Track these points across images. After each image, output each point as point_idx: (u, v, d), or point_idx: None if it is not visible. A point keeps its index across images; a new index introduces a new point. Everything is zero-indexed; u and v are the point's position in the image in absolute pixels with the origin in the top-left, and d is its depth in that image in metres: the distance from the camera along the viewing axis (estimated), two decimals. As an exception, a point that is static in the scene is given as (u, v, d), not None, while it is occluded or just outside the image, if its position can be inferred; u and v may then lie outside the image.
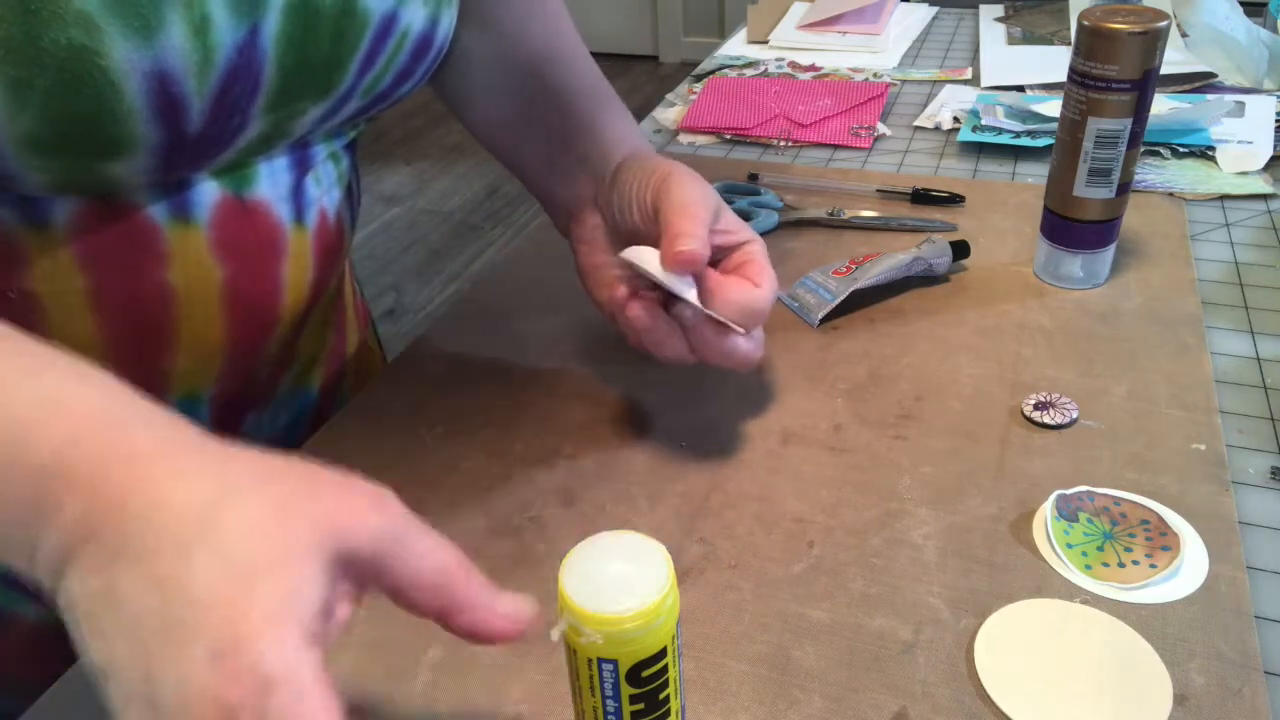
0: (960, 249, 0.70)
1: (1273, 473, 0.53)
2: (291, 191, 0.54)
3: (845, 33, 1.24)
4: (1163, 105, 0.94)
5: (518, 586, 0.46)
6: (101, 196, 0.46)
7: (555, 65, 0.63)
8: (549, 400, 0.60)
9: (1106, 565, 0.46)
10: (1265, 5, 1.13)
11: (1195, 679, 0.41)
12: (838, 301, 0.65)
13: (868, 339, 0.64)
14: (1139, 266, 0.70)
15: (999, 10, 1.30)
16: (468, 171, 3.16)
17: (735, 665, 0.43)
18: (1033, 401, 0.57)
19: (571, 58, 0.64)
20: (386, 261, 2.66)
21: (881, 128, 0.98)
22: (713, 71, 1.16)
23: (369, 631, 0.45)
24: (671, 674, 0.33)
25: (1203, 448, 0.53)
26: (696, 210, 0.50)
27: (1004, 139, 0.92)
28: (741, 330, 0.50)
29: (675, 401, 0.59)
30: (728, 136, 0.98)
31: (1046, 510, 0.49)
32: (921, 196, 0.81)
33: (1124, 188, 0.66)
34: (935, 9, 1.35)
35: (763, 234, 0.77)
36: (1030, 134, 0.92)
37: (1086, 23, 0.61)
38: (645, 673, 0.32)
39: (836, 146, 0.95)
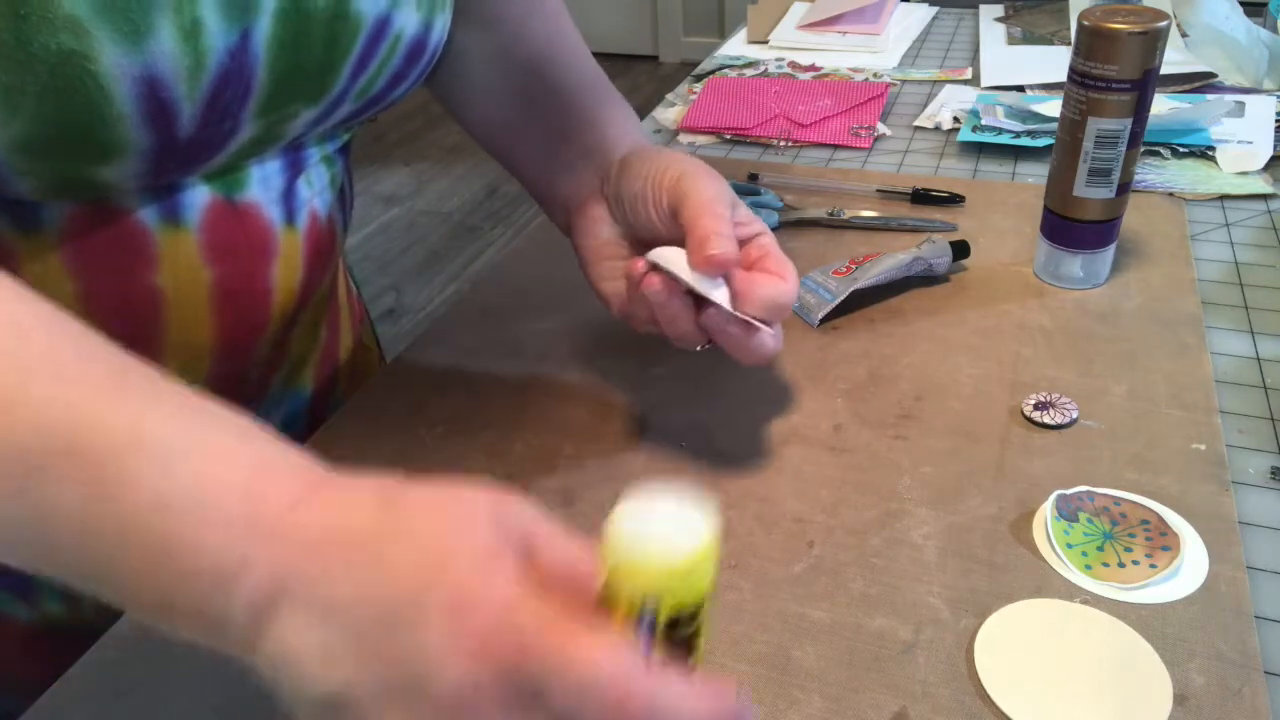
0: (960, 249, 0.70)
1: (1273, 473, 0.52)
2: (283, 194, 0.54)
3: (845, 33, 1.24)
4: (1163, 105, 0.94)
5: (517, 586, 0.46)
6: (92, 201, 0.46)
7: (555, 63, 0.63)
8: (549, 400, 0.60)
9: (1106, 565, 0.46)
10: (1265, 5, 1.13)
11: (1195, 679, 0.41)
12: (838, 301, 0.65)
13: (868, 339, 0.64)
14: (1139, 266, 0.70)
15: (999, 10, 1.30)
16: (467, 172, 3.16)
17: (735, 665, 0.42)
18: (1033, 401, 0.57)
19: (572, 55, 0.64)
20: (386, 262, 2.66)
21: (881, 128, 0.98)
22: (713, 71, 1.16)
23: (368, 631, 0.45)
24: (704, 622, 0.33)
25: (1203, 448, 0.53)
26: (719, 209, 0.49)
27: (1004, 139, 0.92)
28: (769, 329, 0.49)
29: (675, 401, 0.59)
30: (728, 136, 0.98)
31: (1046, 510, 0.49)
32: (921, 196, 0.81)
33: (1124, 188, 0.66)
34: (935, 9, 1.35)
35: (762, 234, 0.77)
36: (1030, 134, 0.92)
37: (1086, 23, 0.61)
38: (682, 620, 0.32)
39: (836, 146, 0.95)
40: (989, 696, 0.40)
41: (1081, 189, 0.65)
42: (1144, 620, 0.44)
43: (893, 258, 0.67)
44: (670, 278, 0.49)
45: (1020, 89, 1.06)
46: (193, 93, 0.42)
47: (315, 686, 0.29)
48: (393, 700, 0.29)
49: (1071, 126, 0.64)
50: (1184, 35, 1.07)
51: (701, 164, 0.53)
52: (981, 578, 0.46)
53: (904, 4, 1.35)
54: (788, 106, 1.02)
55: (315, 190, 0.57)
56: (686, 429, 0.56)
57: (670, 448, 0.55)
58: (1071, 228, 0.67)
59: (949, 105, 1.02)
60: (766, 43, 1.25)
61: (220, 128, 0.45)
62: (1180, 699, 0.40)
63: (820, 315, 0.65)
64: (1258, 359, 0.61)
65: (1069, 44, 1.14)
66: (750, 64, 1.18)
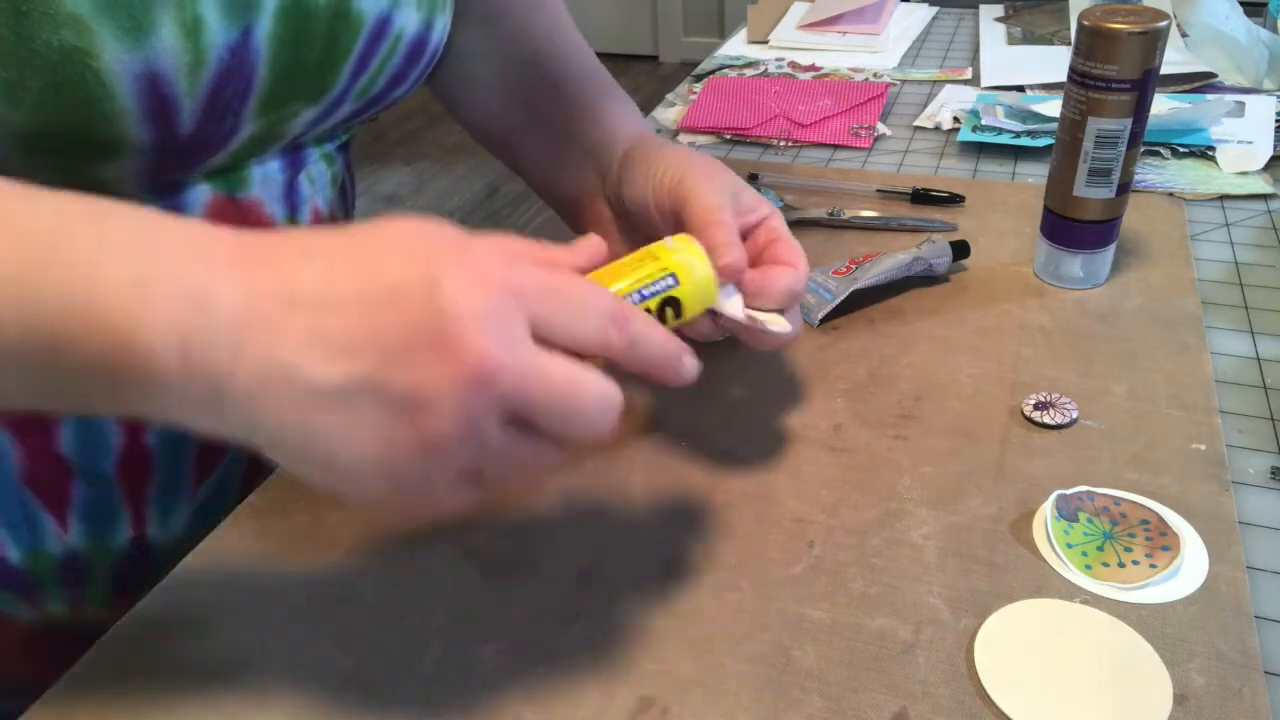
0: (960, 249, 0.70)
1: (1273, 473, 0.52)
2: (284, 192, 0.54)
3: (845, 33, 1.24)
4: (1163, 105, 0.94)
5: (517, 588, 0.47)
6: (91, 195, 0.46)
7: (555, 59, 0.63)
8: (549, 400, 0.60)
9: (1106, 565, 0.46)
10: (1265, 5, 1.13)
11: (1195, 679, 0.41)
12: (838, 301, 0.65)
13: (868, 339, 0.64)
14: (1139, 266, 0.70)
15: (999, 10, 1.30)
16: (467, 172, 3.16)
17: (735, 665, 0.42)
18: (1033, 401, 0.57)
19: (572, 51, 0.64)
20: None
21: (881, 128, 0.98)
22: (713, 71, 1.16)
23: (370, 631, 0.45)
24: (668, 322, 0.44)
25: (1203, 448, 0.53)
26: (723, 216, 0.48)
27: (1004, 139, 0.92)
28: (786, 326, 0.49)
29: (675, 401, 0.59)
30: (728, 136, 0.98)
31: (1046, 510, 0.49)
32: (921, 196, 0.81)
33: (1124, 188, 0.66)
34: (935, 9, 1.35)
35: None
36: (1030, 134, 0.92)
37: (1086, 23, 0.61)
38: (670, 310, 0.44)
39: (836, 146, 0.95)
40: (989, 696, 0.40)
41: (1081, 189, 0.65)
42: (1144, 620, 0.44)
43: (893, 258, 0.67)
44: None
45: (1020, 89, 1.06)
46: (193, 90, 0.43)
47: (331, 376, 0.31)
48: (431, 356, 0.31)
49: (1071, 126, 0.64)
50: (1184, 35, 1.07)
51: (700, 159, 0.52)
52: (981, 578, 0.46)
53: (904, 4, 1.35)
54: (788, 106, 1.02)
55: (317, 188, 0.57)
56: (686, 429, 0.56)
57: (670, 448, 0.55)
58: (1071, 228, 0.67)
59: (949, 105, 1.02)
60: (766, 43, 1.25)
61: (221, 125, 0.46)
62: (1180, 699, 0.40)
63: (820, 315, 0.65)
64: (1258, 359, 0.61)
65: (1069, 44, 1.14)
66: (750, 64, 1.18)
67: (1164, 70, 0.64)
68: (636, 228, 0.55)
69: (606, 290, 0.37)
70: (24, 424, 0.50)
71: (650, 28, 4.17)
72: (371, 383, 0.31)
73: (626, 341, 0.36)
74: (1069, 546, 0.47)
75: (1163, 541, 0.47)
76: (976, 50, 1.19)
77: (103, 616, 0.53)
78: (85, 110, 0.40)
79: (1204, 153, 0.88)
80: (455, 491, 0.34)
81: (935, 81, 1.10)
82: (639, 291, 0.43)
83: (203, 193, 0.49)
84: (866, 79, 1.11)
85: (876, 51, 1.20)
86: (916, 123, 0.99)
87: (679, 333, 0.50)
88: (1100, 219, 0.66)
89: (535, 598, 0.46)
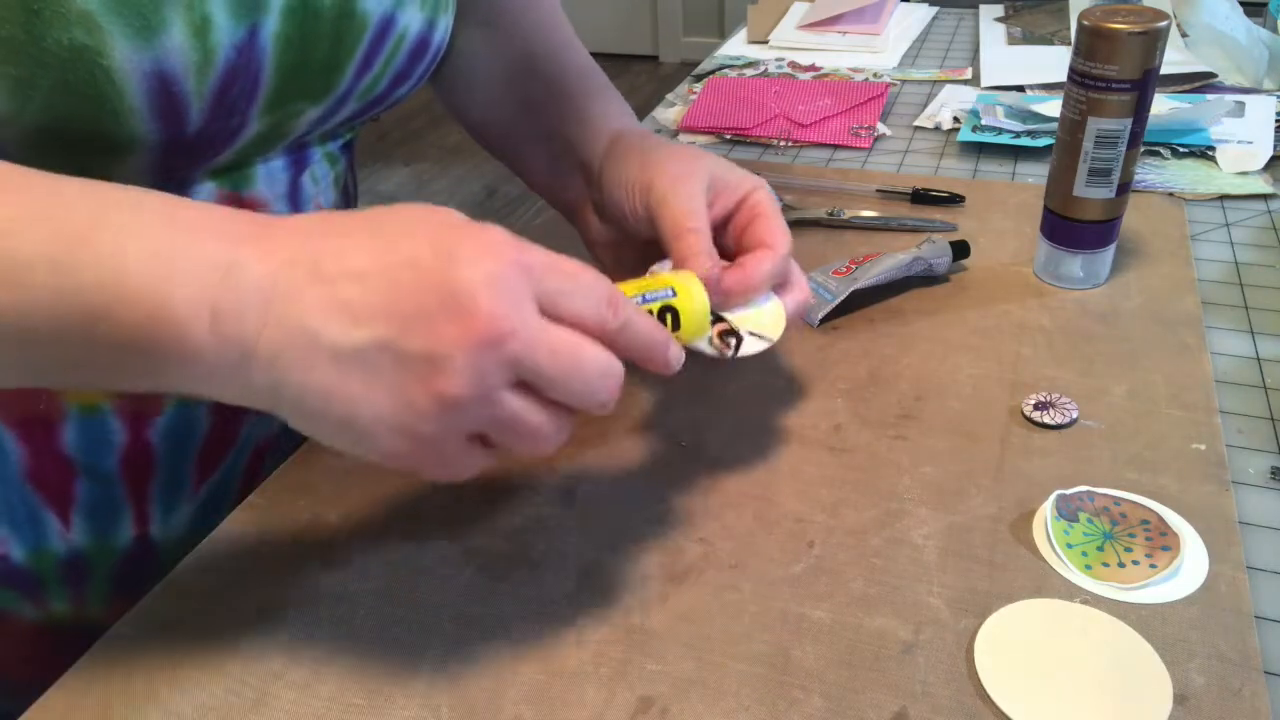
0: (960, 249, 0.70)
1: (1273, 473, 0.52)
2: (288, 190, 0.54)
3: (845, 33, 1.24)
4: (1163, 105, 0.94)
5: (517, 587, 0.47)
6: None
7: (551, 60, 0.63)
8: (549, 400, 0.60)
9: (1106, 565, 0.46)
10: (1265, 5, 1.13)
11: (1195, 679, 0.41)
12: (838, 301, 0.65)
13: (868, 339, 0.64)
14: (1139, 266, 0.70)
15: (999, 10, 1.30)
16: (467, 173, 3.16)
17: (735, 665, 0.43)
18: (1033, 401, 0.57)
19: (567, 52, 0.64)
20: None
21: (881, 128, 0.98)
22: (713, 71, 1.16)
23: (369, 632, 0.45)
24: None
25: (1203, 448, 0.53)
26: (692, 223, 0.49)
27: (1004, 139, 0.92)
28: (768, 342, 0.49)
29: (675, 401, 0.59)
30: (728, 136, 0.98)
31: (1046, 510, 0.49)
32: (921, 196, 0.81)
33: (1124, 188, 0.66)
34: (935, 9, 1.35)
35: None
36: (1030, 134, 0.92)
37: (1086, 23, 0.61)
38: (670, 317, 0.45)
39: (836, 146, 0.95)
40: (989, 696, 0.40)
41: (1081, 189, 0.65)
42: (1144, 620, 0.44)
43: (893, 258, 0.67)
44: None
45: (1020, 89, 1.06)
46: (201, 88, 0.43)
47: (352, 337, 0.33)
48: (446, 320, 0.33)
49: (1071, 126, 0.64)
50: (1184, 35, 1.07)
51: (672, 156, 0.52)
52: (981, 578, 0.46)
53: (904, 4, 1.35)
54: (788, 106, 1.02)
55: (320, 187, 0.57)
56: (686, 429, 0.56)
57: (670, 448, 0.55)
58: (1071, 228, 0.67)
59: (949, 105, 1.02)
60: (766, 43, 1.25)
61: (228, 123, 0.46)
62: (1180, 699, 0.40)
63: (820, 315, 0.65)
64: (1258, 359, 0.61)
65: (1069, 44, 1.14)
66: (750, 64, 1.18)
67: (1164, 70, 0.64)
68: (625, 239, 0.55)
69: (605, 277, 0.38)
70: (27, 422, 0.50)
71: (650, 28, 4.17)
72: (390, 345, 0.33)
73: (619, 323, 0.38)
74: (1069, 546, 0.47)
75: (1163, 541, 0.47)
76: (976, 50, 1.19)
77: (105, 615, 0.54)
78: (94, 108, 0.40)
79: (1204, 153, 0.88)
80: (468, 453, 0.37)
81: (935, 81, 1.10)
82: (641, 296, 0.44)
83: (208, 190, 0.50)
84: (866, 79, 1.11)
85: (876, 51, 1.20)
86: (916, 123, 0.99)
87: None
88: (1100, 219, 0.66)
89: (535, 598, 0.46)
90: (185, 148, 0.45)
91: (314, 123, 0.52)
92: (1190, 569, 0.46)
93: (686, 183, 0.50)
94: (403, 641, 0.44)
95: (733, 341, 0.49)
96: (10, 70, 0.38)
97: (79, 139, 0.41)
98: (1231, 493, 0.50)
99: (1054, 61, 1.10)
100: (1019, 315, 0.66)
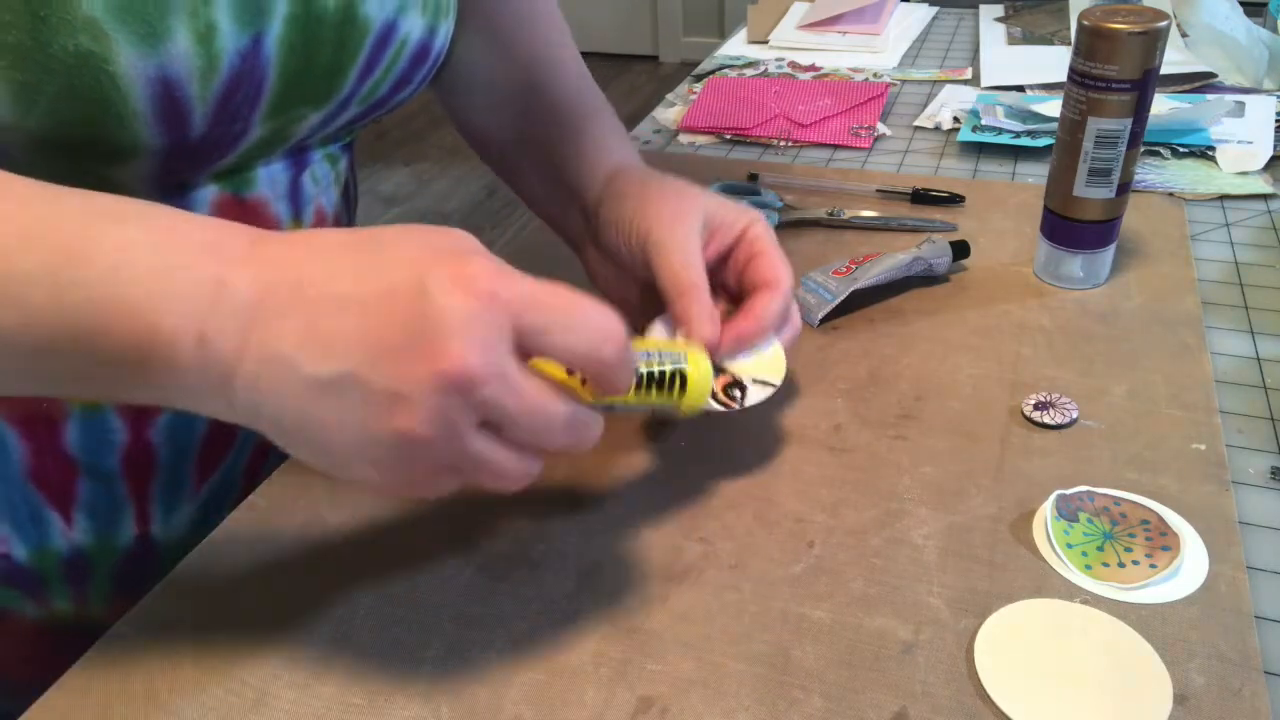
0: (960, 249, 0.70)
1: (1273, 473, 0.52)
2: (288, 190, 0.54)
3: (845, 33, 1.24)
4: (1163, 105, 0.94)
5: (517, 587, 0.47)
6: None
7: (547, 79, 0.64)
8: (549, 400, 0.60)
9: (1106, 565, 0.46)
10: (1265, 5, 1.13)
11: (1195, 679, 0.41)
12: (838, 301, 0.65)
13: (868, 339, 0.64)
14: (1139, 266, 0.70)
15: (999, 10, 1.30)
16: (467, 173, 3.16)
17: (735, 665, 0.43)
18: (1033, 401, 0.57)
19: (561, 68, 0.64)
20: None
21: (881, 128, 0.98)
22: (713, 71, 1.16)
23: (369, 632, 0.45)
24: (644, 372, 0.44)
25: (1203, 448, 0.53)
26: (689, 276, 0.49)
27: (1004, 139, 0.92)
28: (767, 392, 0.50)
29: (675, 401, 0.59)
30: (728, 136, 0.98)
31: (1046, 510, 0.49)
32: (921, 196, 0.81)
33: (1124, 188, 0.66)
34: (935, 9, 1.35)
35: (763, 234, 0.77)
36: (1030, 134, 0.92)
37: (1086, 23, 0.61)
38: (679, 382, 0.44)
39: (836, 146, 0.95)
40: (989, 696, 0.40)
41: (1081, 189, 0.65)
42: (1144, 620, 0.44)
43: (893, 258, 0.67)
44: None
45: (1020, 89, 1.06)
46: (205, 94, 0.43)
47: (324, 368, 0.33)
48: (412, 357, 0.32)
49: (1071, 126, 0.64)
50: (1184, 35, 1.07)
51: (665, 198, 0.52)
52: (981, 578, 0.46)
53: (904, 4, 1.35)
54: (788, 106, 1.02)
55: (321, 188, 0.57)
56: (687, 429, 0.56)
57: (670, 448, 0.55)
58: (1071, 228, 0.67)
59: (949, 105, 1.02)
60: (766, 43, 1.25)
61: (231, 129, 0.46)
62: (1180, 699, 0.40)
63: (820, 315, 0.65)
64: (1258, 359, 0.61)
65: (1069, 44, 1.14)
66: (750, 64, 1.18)
67: (1164, 70, 0.64)
68: (628, 275, 0.55)
69: (605, 310, 0.37)
70: (30, 421, 0.50)
71: (650, 28, 4.17)
72: (357, 378, 0.33)
73: (616, 362, 0.37)
74: (1069, 546, 0.47)
75: (1163, 541, 0.47)
76: (976, 50, 1.19)
77: (106, 614, 0.54)
78: (99, 113, 0.41)
79: (1204, 153, 0.88)
80: (436, 482, 0.36)
81: (935, 81, 1.10)
82: (658, 353, 0.44)
83: (209, 192, 0.50)
84: (866, 79, 1.11)
85: (876, 51, 1.20)
86: (916, 123, 0.99)
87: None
88: (1100, 219, 0.66)
89: (535, 598, 0.46)
90: (188, 152, 0.45)
91: (316, 127, 0.52)
92: (1190, 569, 0.46)
93: (680, 226, 0.50)
94: (403, 641, 0.44)
95: (737, 394, 0.50)
96: (16, 75, 0.38)
97: (83, 144, 0.42)
98: (1231, 493, 0.50)
99: (1054, 61, 1.10)
100: (1019, 315, 0.66)
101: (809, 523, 0.50)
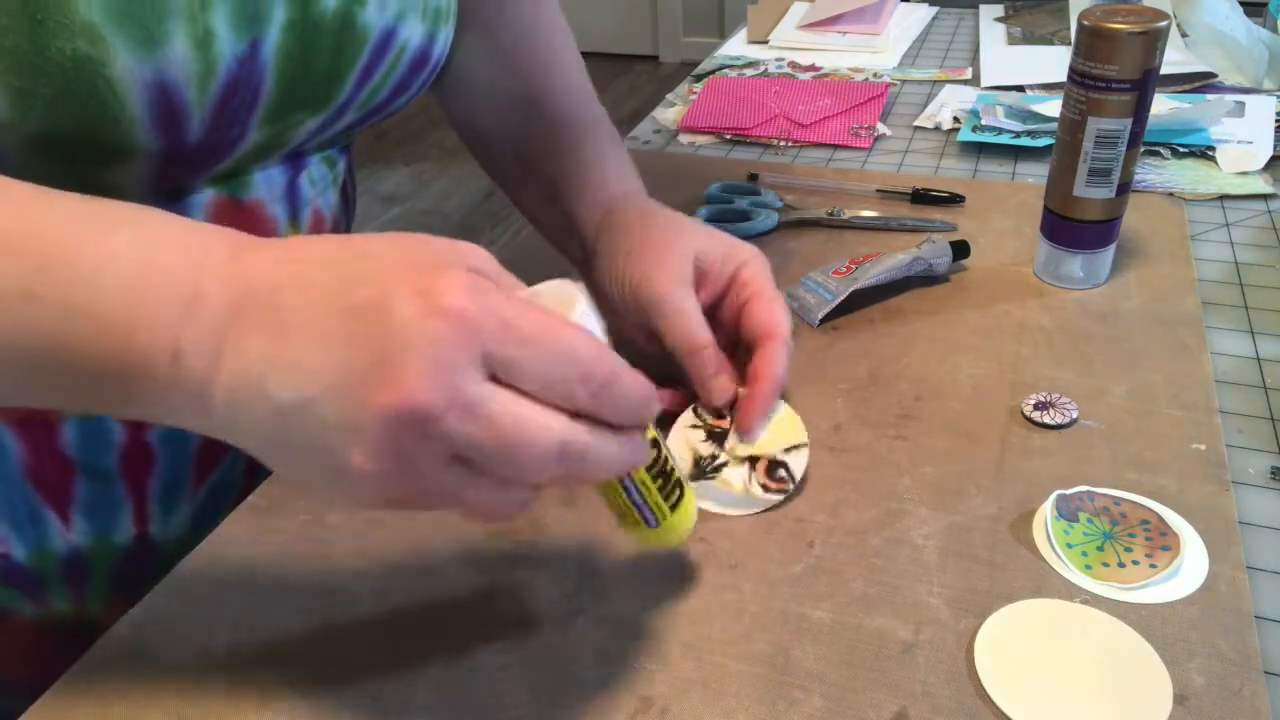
0: (960, 249, 0.70)
1: (1273, 473, 0.52)
2: (285, 191, 0.54)
3: (845, 33, 1.24)
4: (1163, 105, 0.94)
5: (517, 586, 0.47)
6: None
7: (545, 88, 0.64)
8: (549, 400, 0.60)
9: (1106, 565, 0.46)
10: (1265, 5, 1.13)
11: (1195, 679, 0.41)
12: (838, 301, 0.65)
13: (868, 339, 0.64)
14: (1139, 266, 0.70)
15: (999, 10, 1.30)
16: (467, 173, 3.16)
17: (735, 665, 0.43)
18: (1033, 401, 0.57)
19: (561, 80, 0.64)
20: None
21: (881, 128, 0.98)
22: (713, 71, 1.16)
23: (369, 632, 0.45)
24: (666, 454, 0.40)
25: (1203, 448, 0.53)
26: (697, 336, 0.51)
27: (1004, 139, 0.92)
28: (805, 439, 0.52)
29: (675, 401, 0.59)
30: (728, 136, 0.98)
31: (1046, 510, 0.49)
32: (921, 196, 0.81)
33: (1124, 188, 0.66)
34: (935, 9, 1.35)
35: (763, 234, 0.77)
36: (1030, 134, 0.92)
37: (1086, 23, 0.61)
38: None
39: (836, 146, 0.95)
40: (989, 696, 0.40)
41: (1081, 189, 0.65)
42: (1144, 620, 0.44)
43: (893, 258, 0.67)
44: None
45: (1020, 89, 1.06)
46: (202, 99, 0.43)
47: (286, 393, 0.30)
48: (366, 386, 0.30)
49: (1071, 126, 0.64)
50: (1184, 35, 1.07)
51: (655, 249, 0.53)
52: (981, 578, 0.46)
53: (904, 4, 1.35)
54: (788, 106, 1.02)
55: (318, 189, 0.57)
56: (687, 429, 0.56)
57: (670, 448, 0.55)
58: (1071, 228, 0.67)
59: (949, 105, 1.02)
60: (766, 43, 1.25)
61: (228, 134, 0.46)
62: (1180, 699, 0.40)
63: (820, 315, 0.65)
64: (1258, 359, 0.61)
65: (1069, 44, 1.14)
66: (750, 64, 1.18)
67: (1164, 70, 0.64)
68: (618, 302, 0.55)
69: (585, 336, 0.32)
70: (28, 420, 0.50)
71: (650, 28, 4.17)
72: (313, 406, 0.30)
73: (592, 398, 0.32)
74: (1069, 546, 0.47)
75: (1163, 541, 0.47)
76: (976, 50, 1.19)
77: (105, 614, 0.54)
78: (95, 117, 0.41)
79: (1204, 153, 0.88)
80: (419, 506, 0.33)
81: (935, 81, 1.10)
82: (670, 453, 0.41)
83: (206, 195, 0.50)
84: (866, 79, 1.11)
85: (876, 51, 1.20)
86: (916, 123, 0.99)
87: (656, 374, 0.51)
88: (1100, 219, 0.66)
89: (535, 598, 0.46)
90: (185, 157, 0.45)
91: (313, 132, 0.52)
92: (1190, 569, 0.46)
93: (677, 283, 0.51)
94: (403, 641, 0.44)
95: (783, 473, 0.51)
96: (13, 79, 0.38)
97: (79, 147, 0.41)
98: (1231, 493, 0.50)
99: (1054, 61, 1.10)
100: (1019, 315, 0.66)
101: (809, 523, 0.50)
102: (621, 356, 0.34)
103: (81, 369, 0.32)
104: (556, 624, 0.45)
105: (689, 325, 0.51)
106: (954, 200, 0.80)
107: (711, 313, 0.53)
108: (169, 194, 0.48)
